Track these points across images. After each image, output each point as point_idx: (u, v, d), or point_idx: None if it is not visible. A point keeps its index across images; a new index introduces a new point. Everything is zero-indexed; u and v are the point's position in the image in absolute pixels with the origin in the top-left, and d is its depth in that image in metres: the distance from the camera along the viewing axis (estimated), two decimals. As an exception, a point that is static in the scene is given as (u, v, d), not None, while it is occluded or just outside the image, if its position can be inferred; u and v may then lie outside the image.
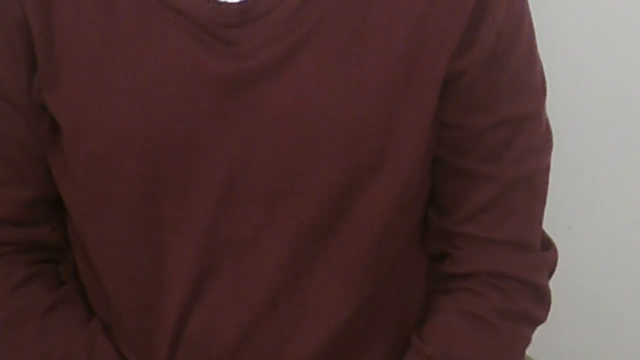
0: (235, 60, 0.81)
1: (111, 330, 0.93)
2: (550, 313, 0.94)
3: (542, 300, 0.92)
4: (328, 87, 0.81)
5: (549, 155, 0.91)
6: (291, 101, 0.81)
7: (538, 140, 0.89)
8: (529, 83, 0.88)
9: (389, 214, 0.85)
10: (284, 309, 0.86)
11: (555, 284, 0.94)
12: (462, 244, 0.91)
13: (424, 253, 0.95)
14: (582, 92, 1.25)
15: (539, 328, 0.94)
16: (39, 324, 0.90)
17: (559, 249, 0.95)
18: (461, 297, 0.91)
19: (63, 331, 0.91)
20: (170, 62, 0.81)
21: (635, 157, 1.27)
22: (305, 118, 0.81)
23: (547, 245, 0.94)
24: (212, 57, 0.81)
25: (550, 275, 0.94)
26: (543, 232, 0.93)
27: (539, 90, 0.89)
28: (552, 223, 0.95)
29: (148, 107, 0.82)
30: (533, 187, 0.90)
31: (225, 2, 0.81)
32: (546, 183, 0.92)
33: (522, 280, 0.90)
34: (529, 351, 0.95)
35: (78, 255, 0.94)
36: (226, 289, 0.86)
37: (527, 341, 0.93)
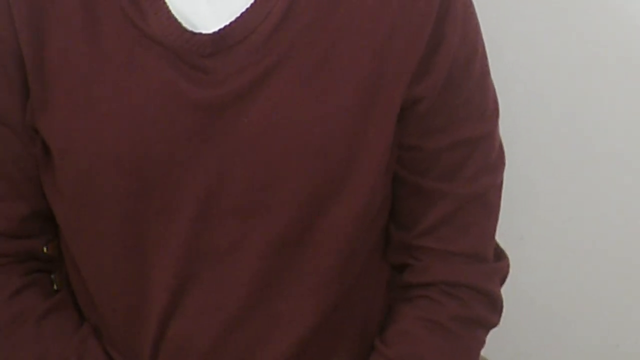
0: (210, 87, 0.81)
1: (100, 334, 0.93)
2: (503, 317, 0.95)
3: (495, 306, 0.94)
4: (296, 110, 0.82)
5: (502, 173, 0.92)
6: (262, 124, 0.82)
7: (491, 160, 0.90)
8: (483, 106, 0.88)
9: (353, 229, 0.86)
10: (257, 316, 0.87)
11: (507, 291, 0.95)
12: (421, 256, 0.91)
13: (386, 264, 0.95)
14: (534, 112, 1.27)
15: (493, 330, 0.95)
16: (35, 328, 0.90)
17: (512, 258, 0.96)
18: (421, 305, 0.91)
19: (57, 335, 0.91)
20: (151, 88, 0.82)
21: (582, 174, 1.29)
22: (275, 140, 0.82)
23: (500, 256, 0.95)
24: (188, 84, 0.81)
25: (502, 283, 0.95)
26: (496, 243, 0.94)
27: (492, 112, 0.90)
28: (505, 234, 0.96)
29: (131, 130, 0.82)
30: (486, 203, 0.91)
31: (200, 33, 0.81)
32: (499, 199, 0.92)
33: (477, 288, 0.91)
34: (483, 352, 0.96)
35: (69, 266, 0.95)
36: (204, 298, 0.87)
37: (482, 344, 0.95)
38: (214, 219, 0.84)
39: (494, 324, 0.95)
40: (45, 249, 0.95)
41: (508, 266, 0.95)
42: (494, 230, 0.93)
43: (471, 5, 0.87)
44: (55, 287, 0.97)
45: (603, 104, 1.25)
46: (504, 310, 0.95)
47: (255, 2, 0.81)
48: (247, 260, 0.85)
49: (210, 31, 0.82)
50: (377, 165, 0.84)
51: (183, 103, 0.82)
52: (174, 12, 0.82)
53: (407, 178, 0.89)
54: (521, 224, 1.20)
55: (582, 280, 1.33)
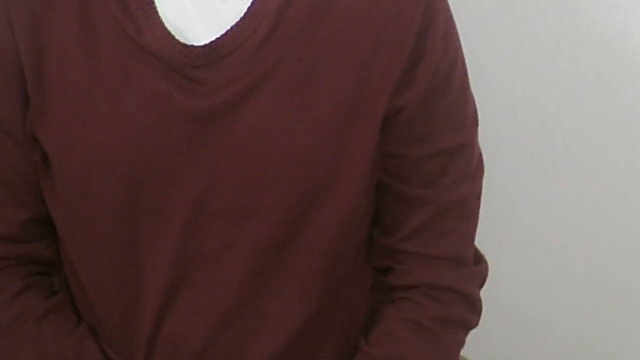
0: (201, 96, 0.83)
1: (97, 334, 0.94)
2: (483, 319, 0.96)
3: (474, 308, 0.95)
4: (284, 119, 0.83)
5: (481, 181, 0.93)
6: (251, 133, 0.83)
7: (471, 168, 0.91)
8: (462, 117, 0.89)
9: (339, 232, 0.87)
10: (246, 316, 0.88)
11: (487, 294, 0.96)
12: (403, 260, 0.92)
13: (370, 268, 0.96)
14: (513, 124, 1.28)
15: (473, 332, 0.96)
16: (35, 328, 0.91)
17: (491, 263, 0.97)
18: (403, 306, 0.92)
19: (56, 335, 0.92)
20: (145, 98, 0.83)
21: (559, 183, 1.30)
22: (264, 147, 0.83)
23: (479, 260, 0.96)
24: (181, 94, 0.83)
25: (481, 286, 0.96)
26: (475, 248, 0.95)
27: (472, 123, 0.91)
28: (485, 240, 0.97)
29: (126, 138, 0.84)
30: (466, 210, 0.92)
31: (192, 45, 0.83)
32: (478, 206, 0.94)
33: (457, 291, 0.92)
34: (464, 352, 0.97)
35: (67, 269, 0.96)
36: (195, 299, 0.88)
37: (462, 344, 0.96)
38: (204, 223, 0.85)
39: (474, 325, 0.96)
40: (45, 253, 0.96)
41: (487, 269, 0.96)
42: (473, 236, 0.95)
43: (451, 19, 0.88)
44: (54, 289, 0.97)
45: (581, 112, 1.26)
46: (484, 312, 0.96)
47: (244, 16, 0.83)
48: (236, 262, 0.86)
49: (201, 43, 0.83)
50: (361, 172, 0.85)
51: (175, 112, 0.83)
52: (167, 25, 0.84)
53: (390, 185, 0.90)
54: (500, 230, 1.20)
55: (559, 283, 1.34)
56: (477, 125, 0.92)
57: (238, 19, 0.83)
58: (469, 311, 0.94)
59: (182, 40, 0.83)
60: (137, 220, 0.86)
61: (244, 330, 0.89)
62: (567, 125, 1.27)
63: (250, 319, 0.88)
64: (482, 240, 0.96)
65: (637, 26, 1.19)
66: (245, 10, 0.83)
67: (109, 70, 0.84)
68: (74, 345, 0.92)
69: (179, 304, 0.88)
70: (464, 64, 0.90)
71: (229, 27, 0.83)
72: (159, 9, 0.84)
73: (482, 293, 0.96)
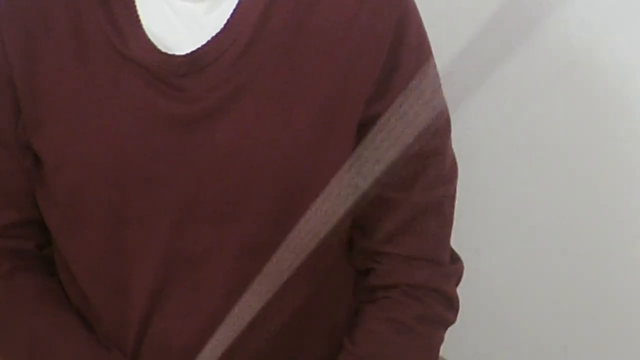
0: (183, 103, 0.85)
1: (92, 329, 0.96)
2: (461, 321, 0.98)
3: (452, 305, 0.96)
4: (264, 126, 0.84)
5: (455, 183, 0.94)
6: (233, 138, 0.84)
7: (445, 172, 0.93)
8: (434, 123, 0.90)
9: (320, 235, 0.87)
10: (233, 315, 0.88)
11: (463, 298, 0.97)
12: (383, 260, 0.94)
13: (351, 268, 0.98)
14: (490, 132, 1.30)
15: (452, 333, 0.98)
16: (26, 304, 0.94)
17: (467, 268, 0.98)
18: (385, 306, 0.94)
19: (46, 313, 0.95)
20: (133, 106, 0.85)
21: (532, 190, 1.31)
22: (245, 153, 0.85)
23: (455, 259, 0.98)
24: (166, 101, 0.85)
25: (457, 284, 0.97)
26: (451, 248, 0.97)
27: (444, 127, 0.92)
28: (462, 246, 0.98)
29: (115, 144, 0.86)
30: (441, 211, 0.93)
31: (175, 55, 0.85)
32: (453, 207, 0.95)
33: (436, 289, 0.94)
34: (443, 353, 0.98)
35: (61, 268, 0.97)
36: (182, 299, 0.89)
37: (441, 340, 0.97)
38: (189, 226, 0.87)
39: (452, 322, 0.97)
40: (32, 251, 0.97)
41: (462, 268, 0.98)
42: (449, 236, 0.96)
43: (424, 31, 0.90)
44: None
45: (558, 120, 1.27)
46: (462, 314, 0.98)
47: (225, 27, 0.85)
48: (222, 264, 0.88)
49: (184, 53, 0.85)
50: (341, 175, 0.86)
51: (161, 119, 0.85)
52: (151, 36, 0.86)
53: (368, 189, 0.90)
54: (476, 236, 1.21)
55: (532, 287, 1.35)
56: (449, 129, 0.93)
57: (219, 29, 0.85)
58: (447, 309, 0.96)
59: (166, 50, 0.85)
60: (126, 223, 0.88)
61: (230, 329, 0.89)
62: (544, 129, 1.28)
63: (236, 318, 0.89)
64: (459, 247, 0.98)
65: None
66: (225, 21, 0.85)
67: (99, 82, 0.86)
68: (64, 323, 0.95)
69: (166, 303, 0.90)
70: (436, 74, 0.91)
71: (210, 37, 0.85)
72: (143, 22, 0.86)
73: (460, 297, 0.97)
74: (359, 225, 0.95)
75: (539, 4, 1.21)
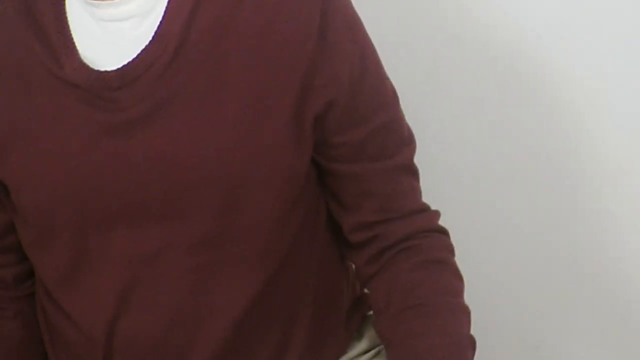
0: (117, 112, 0.89)
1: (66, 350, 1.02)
2: None
3: (449, 236, 1.01)
4: (193, 130, 0.88)
5: (414, 141, 0.99)
6: (167, 142, 0.88)
7: (405, 134, 0.97)
8: (385, 95, 0.95)
9: (271, 222, 0.92)
10: (195, 307, 0.93)
11: None
12: (380, 226, 0.97)
13: (312, 257, 1.00)
14: (460, 140, 1.32)
15: None
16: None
17: None
18: (401, 258, 0.97)
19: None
20: (75, 124, 0.90)
21: (504, 195, 1.33)
22: (179, 156, 0.88)
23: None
24: (102, 115, 0.89)
25: None
26: None
27: (393, 97, 0.96)
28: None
29: (64, 163, 0.90)
30: (411, 168, 0.99)
31: (106, 71, 0.89)
32: (415, 164, 1.00)
33: (435, 229, 0.99)
34: None
35: (39, 285, 1.02)
36: (145, 298, 0.93)
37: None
38: (138, 229, 0.91)
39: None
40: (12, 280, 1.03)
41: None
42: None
43: (353, 12, 0.93)
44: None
45: (530, 121, 1.29)
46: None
47: (152, 39, 0.88)
48: (176, 260, 0.92)
49: (115, 68, 0.89)
50: (280, 163, 0.90)
51: (100, 131, 0.89)
52: (85, 58, 0.90)
53: (341, 169, 0.95)
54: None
55: (504, 288, 1.36)
56: (398, 99, 0.97)
57: (147, 42, 0.88)
58: (449, 238, 1.01)
59: (99, 68, 0.89)
60: (86, 233, 0.93)
61: (194, 319, 0.94)
62: (518, 129, 1.30)
63: (198, 308, 0.93)
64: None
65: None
66: (153, 34, 0.88)
67: (44, 110, 0.90)
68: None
69: (132, 302, 0.94)
70: (374, 50, 0.95)
71: (139, 51, 0.88)
72: (78, 46, 0.90)
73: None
74: (343, 203, 0.98)
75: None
